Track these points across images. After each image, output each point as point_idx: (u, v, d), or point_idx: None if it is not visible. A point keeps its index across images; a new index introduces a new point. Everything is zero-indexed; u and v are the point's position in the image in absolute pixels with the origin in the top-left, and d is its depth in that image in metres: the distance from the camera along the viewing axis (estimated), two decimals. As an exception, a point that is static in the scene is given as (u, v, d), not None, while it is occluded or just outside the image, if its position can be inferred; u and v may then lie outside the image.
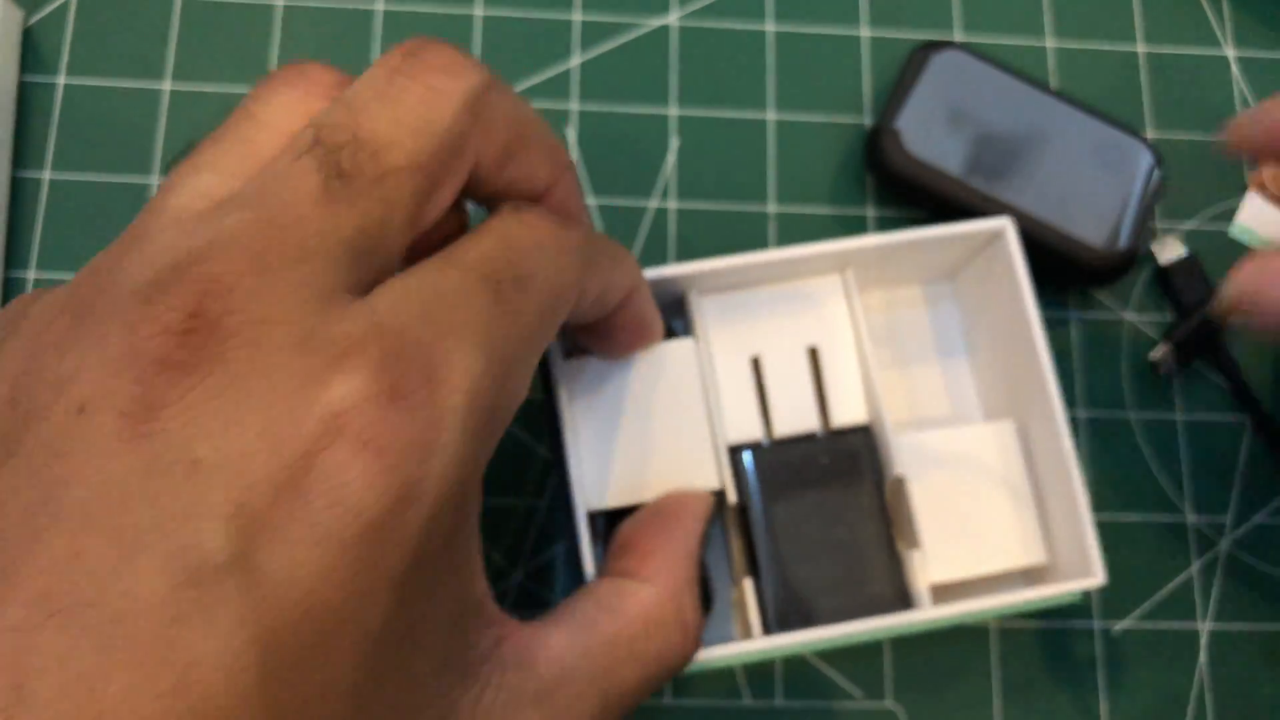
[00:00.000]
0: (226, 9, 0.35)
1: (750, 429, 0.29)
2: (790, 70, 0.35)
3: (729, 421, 0.29)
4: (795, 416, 0.29)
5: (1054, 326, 0.34)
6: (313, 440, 0.15)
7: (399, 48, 0.19)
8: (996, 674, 0.31)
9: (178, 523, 0.14)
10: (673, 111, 0.35)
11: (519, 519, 0.31)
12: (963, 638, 0.31)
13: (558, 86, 0.35)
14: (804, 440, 0.29)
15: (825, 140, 0.35)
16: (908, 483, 0.28)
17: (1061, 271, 0.33)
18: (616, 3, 0.36)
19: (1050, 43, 0.36)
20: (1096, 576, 0.26)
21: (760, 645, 0.26)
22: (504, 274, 0.19)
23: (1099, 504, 0.32)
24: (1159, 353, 0.33)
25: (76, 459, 0.15)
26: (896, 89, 0.33)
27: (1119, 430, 0.33)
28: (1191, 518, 0.33)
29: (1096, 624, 0.31)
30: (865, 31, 0.36)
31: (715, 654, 0.25)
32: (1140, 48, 0.36)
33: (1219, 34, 0.37)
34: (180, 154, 0.32)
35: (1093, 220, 0.32)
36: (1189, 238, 0.35)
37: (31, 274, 0.32)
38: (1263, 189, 0.30)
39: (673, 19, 0.36)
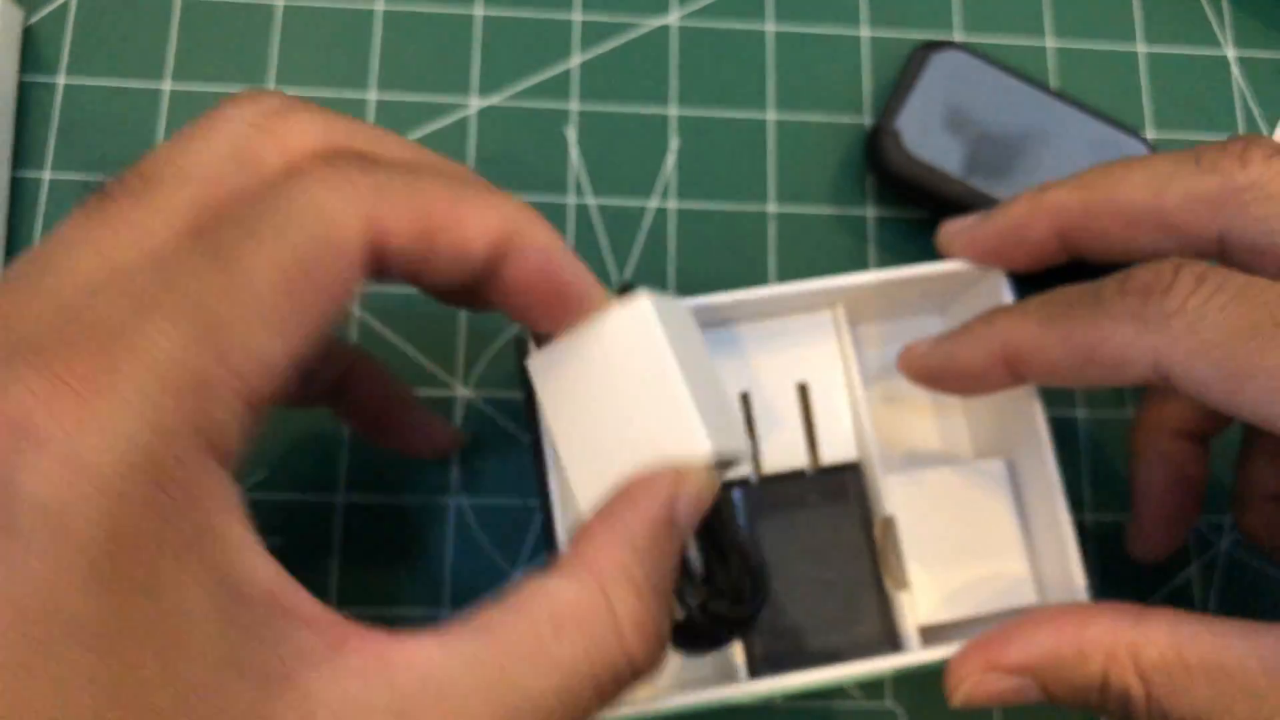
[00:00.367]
0: (226, 9, 0.35)
1: (739, 466, 0.29)
2: (790, 70, 0.35)
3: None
4: (784, 453, 0.29)
5: (1054, 326, 0.34)
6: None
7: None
8: (996, 674, 0.31)
9: None
10: (673, 111, 0.35)
11: (518, 519, 0.31)
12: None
13: (558, 86, 0.35)
14: (793, 477, 0.29)
15: (825, 140, 0.35)
16: (897, 522, 0.28)
17: (1060, 271, 0.33)
18: (616, 3, 0.36)
19: (1050, 43, 0.36)
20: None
21: (745, 690, 0.26)
22: (224, 225, 0.18)
23: (1099, 503, 0.32)
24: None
25: None
26: (896, 89, 0.33)
27: (1119, 430, 0.33)
28: (1191, 518, 0.33)
29: (1096, 624, 0.31)
30: (865, 31, 0.36)
31: (694, 698, 0.25)
32: (1140, 48, 0.36)
33: (1219, 34, 0.37)
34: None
35: (1093, 220, 0.32)
36: (1189, 238, 0.35)
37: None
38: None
39: (673, 19, 0.36)
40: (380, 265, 0.20)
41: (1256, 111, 0.36)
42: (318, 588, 0.30)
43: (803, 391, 0.30)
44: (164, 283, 0.17)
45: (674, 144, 0.34)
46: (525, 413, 0.30)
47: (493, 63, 0.35)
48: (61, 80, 0.34)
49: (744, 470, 0.29)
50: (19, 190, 0.33)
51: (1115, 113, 0.35)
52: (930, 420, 0.32)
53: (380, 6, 0.35)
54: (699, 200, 0.34)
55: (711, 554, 0.24)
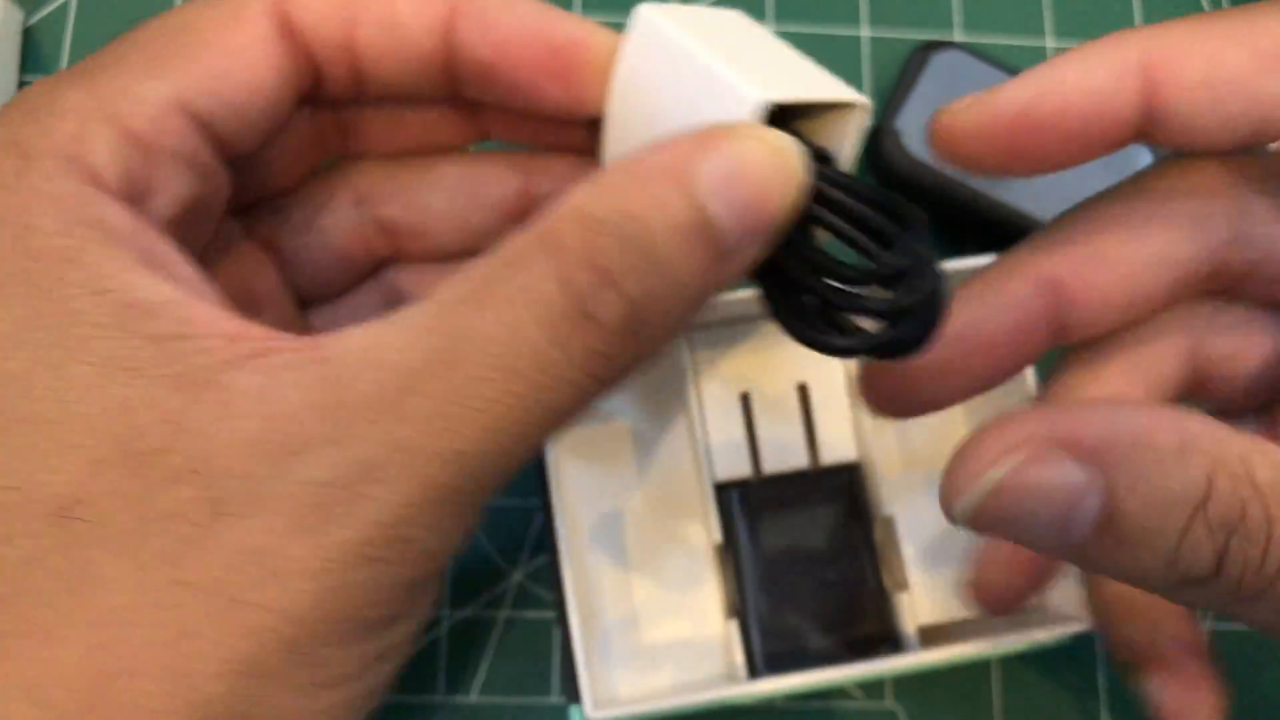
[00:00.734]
0: (226, 9, 0.34)
1: (739, 466, 0.29)
2: (790, 70, 0.35)
3: (717, 458, 0.29)
4: (784, 453, 0.29)
5: (1054, 326, 0.34)
6: None
7: None
8: (996, 674, 0.31)
9: None
10: (673, 111, 0.35)
11: (518, 519, 0.31)
12: (963, 638, 0.31)
13: (558, 86, 0.35)
14: (793, 478, 0.29)
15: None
16: (897, 522, 0.28)
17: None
18: (617, 3, 0.35)
19: (1050, 43, 0.36)
20: (1085, 621, 0.26)
21: (745, 690, 0.26)
22: None
23: (1099, 504, 0.32)
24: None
25: None
26: (896, 89, 0.33)
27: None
28: (1191, 518, 0.33)
29: (1097, 624, 0.31)
30: (865, 31, 0.36)
31: (694, 698, 0.25)
32: (1140, 48, 0.36)
33: (1219, 34, 0.37)
34: None
35: (1093, 220, 0.32)
36: (1189, 238, 0.35)
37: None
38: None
39: (673, 19, 0.35)
40: (301, 49, 0.19)
41: (1256, 111, 0.36)
42: (318, 588, 0.30)
43: (803, 391, 0.30)
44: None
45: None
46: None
47: (493, 63, 0.35)
48: (61, 80, 0.34)
49: (745, 470, 0.29)
50: (19, 190, 0.33)
51: (1115, 113, 0.35)
52: (930, 420, 0.32)
53: (380, 6, 0.35)
54: (699, 200, 0.34)
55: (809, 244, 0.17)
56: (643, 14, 0.18)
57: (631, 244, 0.16)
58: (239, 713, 0.16)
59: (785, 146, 0.17)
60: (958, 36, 0.36)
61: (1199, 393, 0.21)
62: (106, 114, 0.17)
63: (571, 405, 0.16)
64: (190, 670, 0.15)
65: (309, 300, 0.23)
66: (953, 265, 0.28)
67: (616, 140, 0.19)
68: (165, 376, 0.16)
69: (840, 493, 0.29)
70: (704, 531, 0.29)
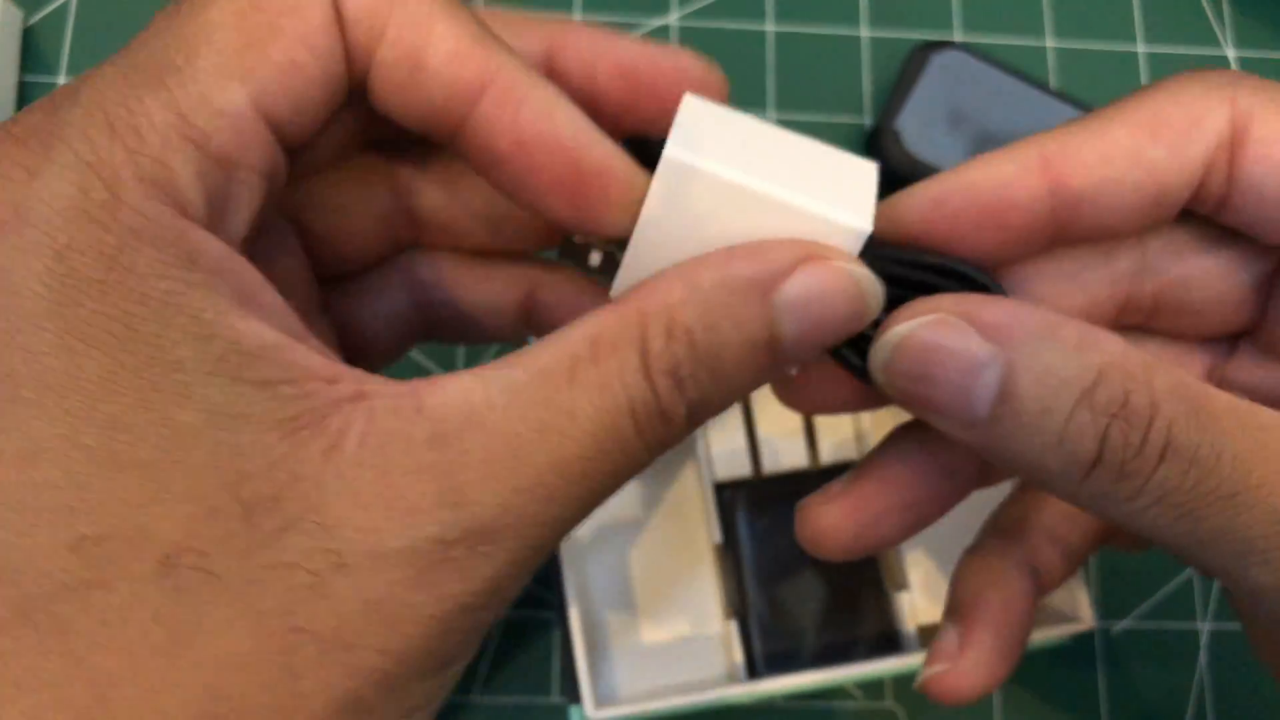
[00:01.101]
0: (226, 9, 0.34)
1: (739, 466, 0.29)
2: (790, 70, 0.35)
3: (717, 458, 0.29)
4: (784, 453, 0.29)
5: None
6: None
7: None
8: (996, 674, 0.31)
9: None
10: (673, 111, 0.35)
11: (519, 519, 0.31)
12: (963, 638, 0.31)
13: (558, 86, 0.35)
14: (793, 477, 0.29)
15: (825, 140, 0.35)
16: None
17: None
18: (616, 3, 0.35)
19: (1050, 43, 0.36)
20: (1086, 621, 0.26)
21: (745, 690, 0.26)
22: None
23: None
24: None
25: None
26: (896, 89, 0.33)
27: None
28: (1191, 518, 0.33)
29: (1096, 624, 0.31)
30: (865, 31, 0.36)
31: (694, 698, 0.25)
32: (1140, 48, 0.36)
33: (1219, 34, 0.37)
34: None
35: (1093, 220, 0.32)
36: (1189, 238, 0.35)
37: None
38: None
39: (673, 19, 0.35)
40: (341, 41, 0.18)
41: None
42: (318, 588, 0.30)
43: (803, 391, 0.30)
44: (126, 42, 0.17)
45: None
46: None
47: (493, 63, 0.35)
48: (61, 80, 0.34)
49: (745, 471, 0.29)
50: (19, 190, 0.33)
51: (1115, 113, 0.35)
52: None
53: (380, 6, 0.35)
54: (699, 200, 0.34)
55: None
56: (675, 160, 0.18)
57: (705, 358, 0.17)
58: None
59: (863, 276, 0.18)
60: (958, 36, 0.36)
61: (1150, 321, 0.21)
62: (190, 132, 0.16)
63: (630, 477, 0.18)
64: (296, 708, 0.16)
65: (325, 276, 0.23)
66: None
67: (648, 261, 0.19)
68: (272, 422, 0.16)
69: (840, 493, 0.29)
70: (704, 531, 0.29)
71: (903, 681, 0.31)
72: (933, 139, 0.33)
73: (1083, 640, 0.31)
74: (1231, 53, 0.36)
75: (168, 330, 0.16)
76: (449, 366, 0.32)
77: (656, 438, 0.17)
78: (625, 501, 0.29)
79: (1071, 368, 0.16)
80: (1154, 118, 0.19)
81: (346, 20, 0.18)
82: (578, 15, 0.35)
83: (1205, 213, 0.20)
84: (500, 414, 0.17)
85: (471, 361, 0.32)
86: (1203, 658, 0.31)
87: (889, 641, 0.28)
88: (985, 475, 0.21)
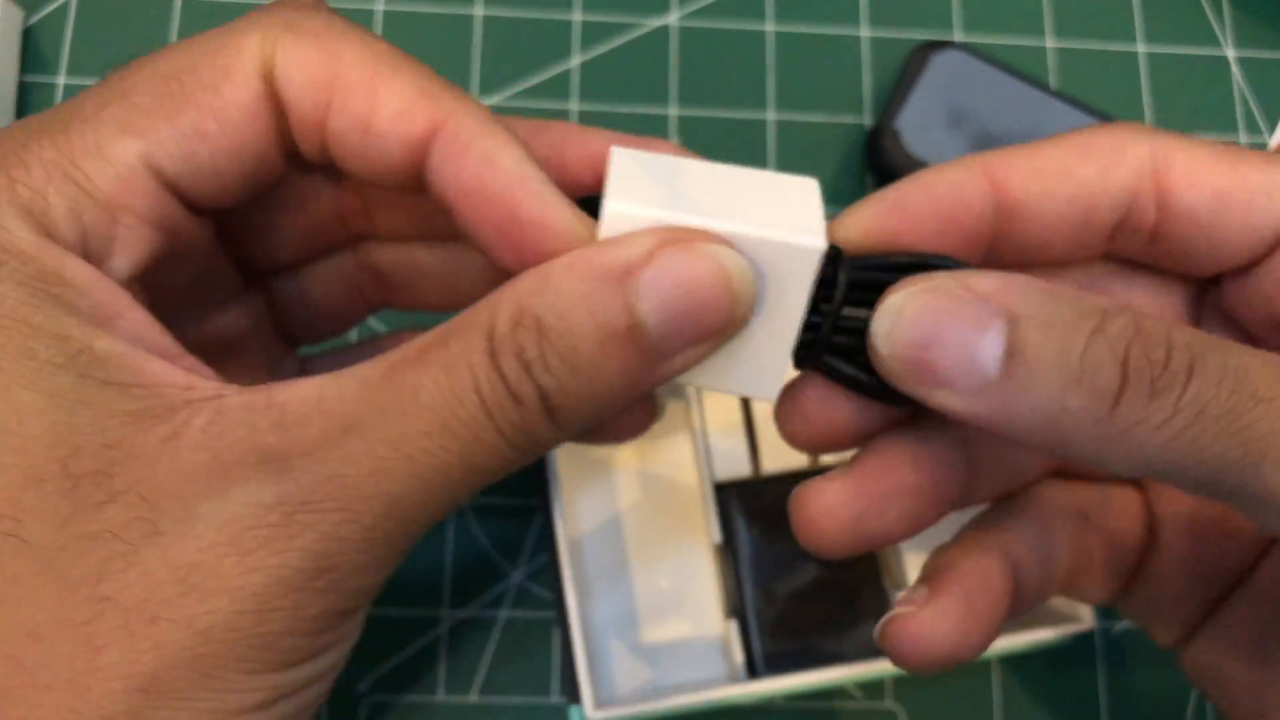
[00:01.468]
0: (226, 9, 0.34)
1: (739, 466, 0.29)
2: (790, 70, 0.35)
3: (717, 458, 0.29)
4: (784, 453, 0.29)
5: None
6: None
7: None
8: (996, 674, 0.31)
9: None
10: (673, 111, 0.35)
11: (519, 519, 0.31)
12: (963, 638, 0.31)
13: (558, 86, 0.35)
14: (793, 477, 0.29)
15: (825, 140, 0.35)
16: None
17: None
18: (616, 3, 0.36)
19: (1050, 43, 0.36)
20: (1086, 621, 0.26)
21: (745, 690, 0.26)
22: (151, 55, 0.20)
23: (1099, 504, 0.32)
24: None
25: None
26: (896, 89, 0.33)
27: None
28: (1191, 518, 0.33)
29: (1096, 624, 0.31)
30: (865, 31, 0.36)
31: (694, 698, 0.25)
32: (1140, 48, 0.36)
33: (1219, 34, 0.37)
34: None
35: (1093, 220, 0.32)
36: (1189, 238, 0.35)
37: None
38: None
39: (673, 19, 0.36)
40: (285, 126, 0.19)
41: (1257, 111, 0.36)
42: (318, 588, 0.30)
43: (803, 391, 0.30)
44: (125, 42, 0.19)
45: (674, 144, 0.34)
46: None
47: (493, 63, 0.35)
48: (61, 80, 0.34)
49: (744, 471, 0.29)
50: (19, 190, 0.33)
51: (1115, 113, 0.35)
52: None
53: (380, 6, 0.35)
54: (699, 200, 0.34)
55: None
56: (610, 211, 0.18)
57: (557, 344, 0.17)
58: None
59: (729, 258, 0.17)
60: (958, 36, 0.36)
61: None
62: (71, 172, 0.18)
63: (496, 468, 0.18)
64: (91, 684, 0.16)
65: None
66: None
67: None
68: (118, 413, 0.16)
69: (840, 493, 0.29)
70: (704, 531, 0.29)
71: (902, 681, 0.31)
72: (933, 139, 0.33)
73: (1083, 640, 0.31)
74: (1231, 53, 0.36)
75: (24, 325, 0.17)
76: (449, 366, 0.32)
77: (511, 423, 0.17)
78: (625, 502, 0.29)
79: (1075, 310, 0.16)
80: (1084, 144, 0.20)
81: (286, 99, 0.19)
82: (578, 15, 0.35)
83: (1135, 250, 0.20)
84: (347, 401, 0.17)
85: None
86: (1203, 658, 0.32)
87: (889, 641, 0.28)
88: (972, 487, 0.21)
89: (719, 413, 0.29)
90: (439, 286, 0.24)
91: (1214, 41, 0.37)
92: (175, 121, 0.18)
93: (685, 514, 0.29)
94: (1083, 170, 0.19)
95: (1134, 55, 0.36)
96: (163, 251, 0.19)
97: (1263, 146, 0.36)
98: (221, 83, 0.18)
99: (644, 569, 0.29)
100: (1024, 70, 0.35)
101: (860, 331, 0.18)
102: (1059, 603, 0.28)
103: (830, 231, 0.19)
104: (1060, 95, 0.34)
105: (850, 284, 0.18)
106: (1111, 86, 0.36)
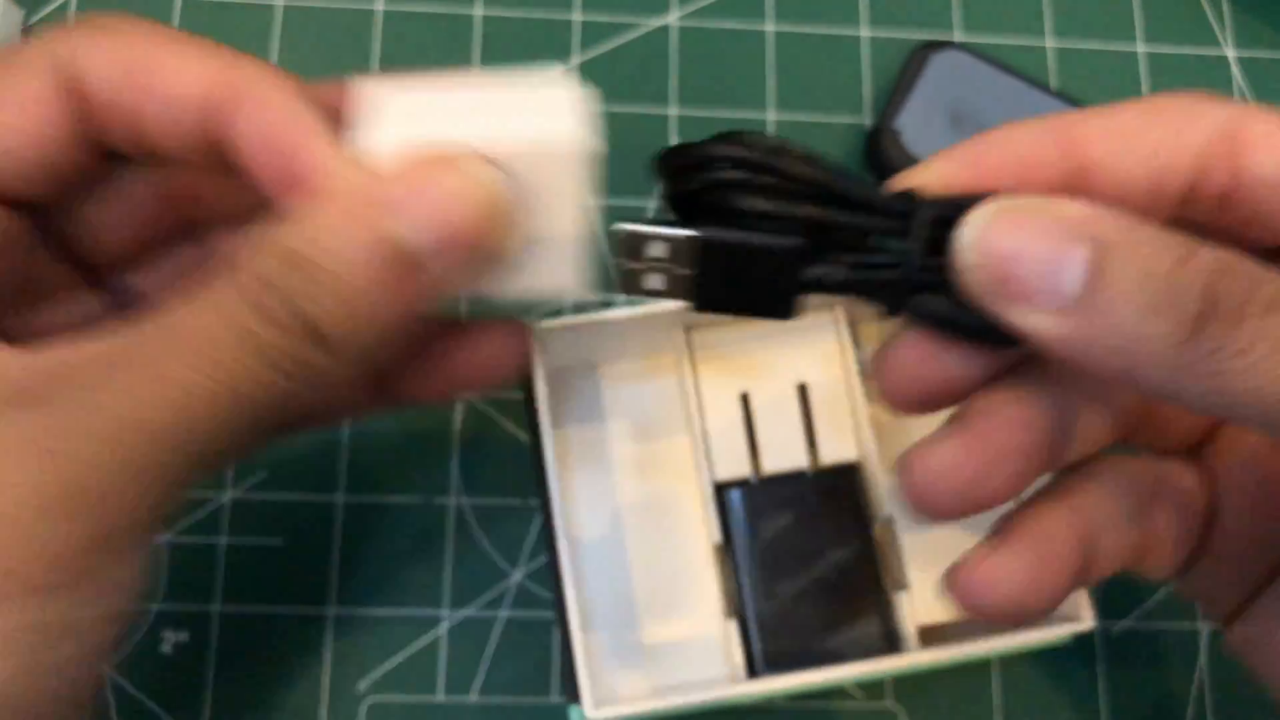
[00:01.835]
0: (226, 9, 0.34)
1: (738, 466, 0.29)
2: (790, 70, 0.35)
3: (717, 458, 0.29)
4: (784, 453, 0.29)
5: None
6: None
7: None
8: (996, 674, 0.31)
9: None
10: (673, 111, 0.35)
11: (518, 519, 0.31)
12: (963, 638, 0.31)
13: (558, 86, 0.35)
14: (792, 478, 0.29)
15: (825, 140, 0.35)
16: (897, 523, 0.28)
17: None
18: (616, 3, 0.35)
19: (1050, 43, 0.36)
20: (1086, 621, 0.26)
21: (745, 690, 0.26)
22: None
23: (1099, 504, 0.32)
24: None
25: None
26: (896, 89, 0.33)
27: (1119, 430, 0.33)
28: (1191, 518, 0.33)
29: (1096, 624, 0.31)
30: (865, 31, 0.36)
31: (694, 698, 0.25)
32: (1140, 48, 0.36)
33: (1219, 34, 0.37)
34: None
35: (1093, 220, 0.32)
36: (1189, 238, 0.35)
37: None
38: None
39: (673, 19, 0.36)
40: (90, 115, 0.20)
41: (1256, 111, 0.36)
42: (318, 588, 0.30)
43: (803, 391, 0.30)
44: None
45: (674, 144, 0.34)
46: (525, 413, 0.30)
47: (493, 63, 0.35)
48: (61, 80, 0.34)
49: (744, 470, 0.29)
50: (19, 190, 0.33)
51: (1115, 113, 0.35)
52: (930, 420, 0.32)
53: (380, 6, 0.35)
54: (699, 200, 0.34)
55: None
56: (362, 144, 0.19)
57: (317, 273, 0.18)
58: None
59: (484, 173, 0.18)
60: (958, 36, 0.36)
61: None
62: None
63: (272, 399, 0.18)
64: None
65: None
66: None
67: None
68: None
69: (840, 493, 0.29)
70: (704, 531, 0.29)
71: (902, 681, 0.31)
72: (933, 139, 0.33)
73: (1083, 640, 0.31)
74: (1231, 53, 0.36)
75: None
76: (449, 366, 0.32)
77: (279, 350, 0.18)
78: (625, 502, 0.29)
79: (1162, 240, 0.17)
80: (1158, 107, 0.20)
81: (87, 88, 0.19)
82: (578, 15, 0.35)
83: (1204, 215, 0.20)
84: (112, 342, 0.18)
85: (471, 361, 0.32)
86: (1203, 658, 0.32)
87: (889, 641, 0.28)
88: (1065, 449, 0.20)
89: (719, 413, 0.29)
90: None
91: (1214, 41, 0.37)
92: None
93: (685, 514, 0.29)
94: (1157, 132, 0.19)
95: (1134, 55, 0.36)
96: None
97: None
98: (14, 76, 0.19)
99: (644, 569, 0.29)
100: (1024, 70, 0.35)
101: (939, 275, 0.18)
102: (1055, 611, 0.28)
103: (907, 181, 0.20)
104: (1060, 95, 0.34)
105: (931, 221, 0.18)
106: (1111, 86, 0.36)
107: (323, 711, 0.30)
